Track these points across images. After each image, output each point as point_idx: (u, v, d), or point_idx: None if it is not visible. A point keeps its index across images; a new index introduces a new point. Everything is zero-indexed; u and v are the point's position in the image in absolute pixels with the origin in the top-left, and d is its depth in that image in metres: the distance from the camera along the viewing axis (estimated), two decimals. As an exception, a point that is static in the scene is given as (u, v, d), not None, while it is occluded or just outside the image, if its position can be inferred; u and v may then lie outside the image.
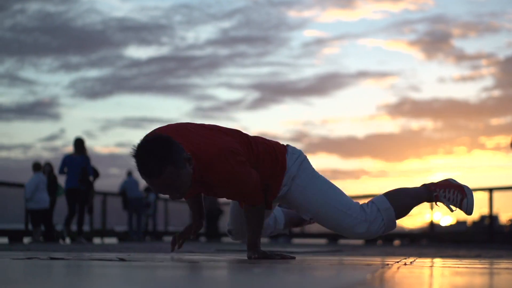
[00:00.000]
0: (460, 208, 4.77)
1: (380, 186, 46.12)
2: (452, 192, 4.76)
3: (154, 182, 4.04)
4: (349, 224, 4.63)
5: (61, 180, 16.18)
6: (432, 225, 20.81)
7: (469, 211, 4.73)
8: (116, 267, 3.43)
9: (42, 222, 15.78)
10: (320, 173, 4.76)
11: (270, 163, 4.53)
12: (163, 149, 3.99)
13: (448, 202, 4.75)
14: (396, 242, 20.73)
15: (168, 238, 23.09)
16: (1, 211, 19.04)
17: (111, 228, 22.17)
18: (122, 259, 4.22)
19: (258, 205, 4.50)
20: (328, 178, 4.77)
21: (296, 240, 21.66)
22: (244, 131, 4.61)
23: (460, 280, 2.87)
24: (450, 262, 4.84)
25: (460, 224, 22.78)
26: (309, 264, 3.93)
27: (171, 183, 4.03)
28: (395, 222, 4.75)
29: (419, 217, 23.47)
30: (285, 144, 4.77)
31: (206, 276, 2.89)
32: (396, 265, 4.00)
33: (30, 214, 16.05)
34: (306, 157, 4.73)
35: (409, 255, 6.46)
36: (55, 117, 39.26)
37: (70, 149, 38.71)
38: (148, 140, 4.05)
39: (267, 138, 4.74)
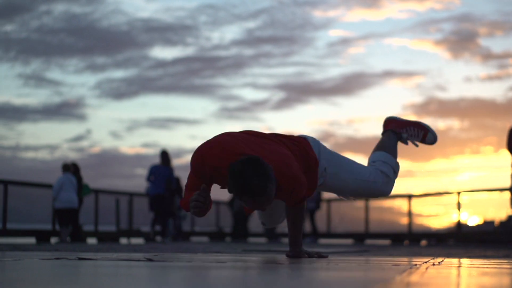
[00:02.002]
0: (424, 142, 5.52)
1: (407, 186, 45.85)
2: (412, 129, 5.49)
3: (257, 200, 4.26)
4: (379, 189, 5.23)
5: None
6: (459, 225, 20.68)
7: (433, 142, 5.50)
8: (144, 267, 3.44)
9: (69, 222, 15.88)
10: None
11: (304, 162, 4.78)
12: (263, 169, 4.22)
13: (412, 139, 5.51)
14: (423, 242, 20.62)
15: (195, 239, 23.14)
16: (28, 212, 19.17)
17: (137, 228, 22.24)
18: (149, 259, 4.23)
19: (303, 203, 4.78)
20: None
21: (323, 240, 21.62)
22: (271, 131, 4.77)
23: (488, 280, 2.86)
24: (478, 262, 4.81)
25: (487, 224, 22.56)
26: (337, 265, 3.92)
27: (270, 198, 4.29)
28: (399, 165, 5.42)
29: (446, 217, 23.37)
30: (300, 135, 5.03)
31: (234, 277, 2.89)
32: (425, 265, 3.99)
33: (57, 213, 16.14)
34: (318, 141, 5.05)
35: (437, 255, 6.43)
36: (82, 117, 39.32)
37: (96, 149, 38.95)
38: (248, 162, 4.24)
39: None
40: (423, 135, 5.47)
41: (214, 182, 4.63)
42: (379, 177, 5.19)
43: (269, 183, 4.22)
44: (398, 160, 5.38)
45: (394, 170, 5.29)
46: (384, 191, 5.24)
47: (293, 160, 4.58)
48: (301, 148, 4.80)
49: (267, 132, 4.89)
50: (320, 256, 4.91)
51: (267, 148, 4.56)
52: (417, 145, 5.51)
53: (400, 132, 5.48)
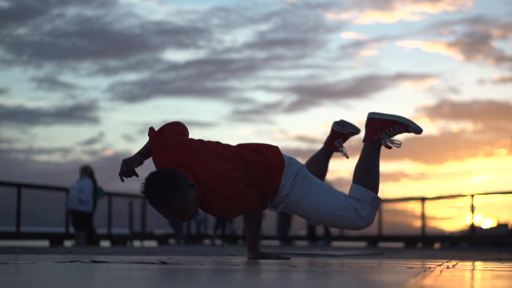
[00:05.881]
0: (408, 132, 5.01)
1: (420, 189, 45.70)
2: (393, 128, 4.99)
3: (164, 211, 4.43)
4: (348, 224, 4.92)
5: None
6: (472, 227, 20.62)
7: (418, 131, 4.95)
8: (158, 270, 3.45)
9: (87, 225, 16.01)
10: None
11: (263, 186, 4.79)
12: (167, 181, 4.37)
13: (391, 139, 5.00)
14: (437, 245, 20.57)
15: (208, 241, 23.14)
16: (41, 215, 19.24)
17: (150, 231, 22.29)
18: (163, 262, 4.24)
19: (257, 212, 4.98)
20: None
21: (335, 243, 21.59)
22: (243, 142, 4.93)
23: (502, 283, 2.85)
24: (491, 265, 4.80)
25: (501, 226, 22.48)
26: (351, 268, 3.92)
27: (180, 210, 4.43)
28: (379, 198, 4.99)
29: (459, 220, 23.30)
30: (284, 157, 4.94)
31: (247, 280, 2.89)
32: (438, 268, 3.98)
33: (77, 217, 16.10)
34: (301, 167, 4.95)
35: (451, 258, 6.42)
36: (94, 120, 39.41)
37: (109, 152, 39.07)
38: (154, 175, 4.43)
39: (282, 150, 4.98)
40: (405, 129, 4.99)
41: None
42: (349, 212, 4.88)
43: (175, 195, 4.35)
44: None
45: (372, 205, 4.93)
46: (355, 226, 4.94)
47: (236, 181, 4.59)
48: (264, 173, 4.79)
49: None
50: (279, 258, 5.12)
51: (212, 165, 4.63)
52: (399, 145, 5.00)
53: (379, 140, 5.03)
